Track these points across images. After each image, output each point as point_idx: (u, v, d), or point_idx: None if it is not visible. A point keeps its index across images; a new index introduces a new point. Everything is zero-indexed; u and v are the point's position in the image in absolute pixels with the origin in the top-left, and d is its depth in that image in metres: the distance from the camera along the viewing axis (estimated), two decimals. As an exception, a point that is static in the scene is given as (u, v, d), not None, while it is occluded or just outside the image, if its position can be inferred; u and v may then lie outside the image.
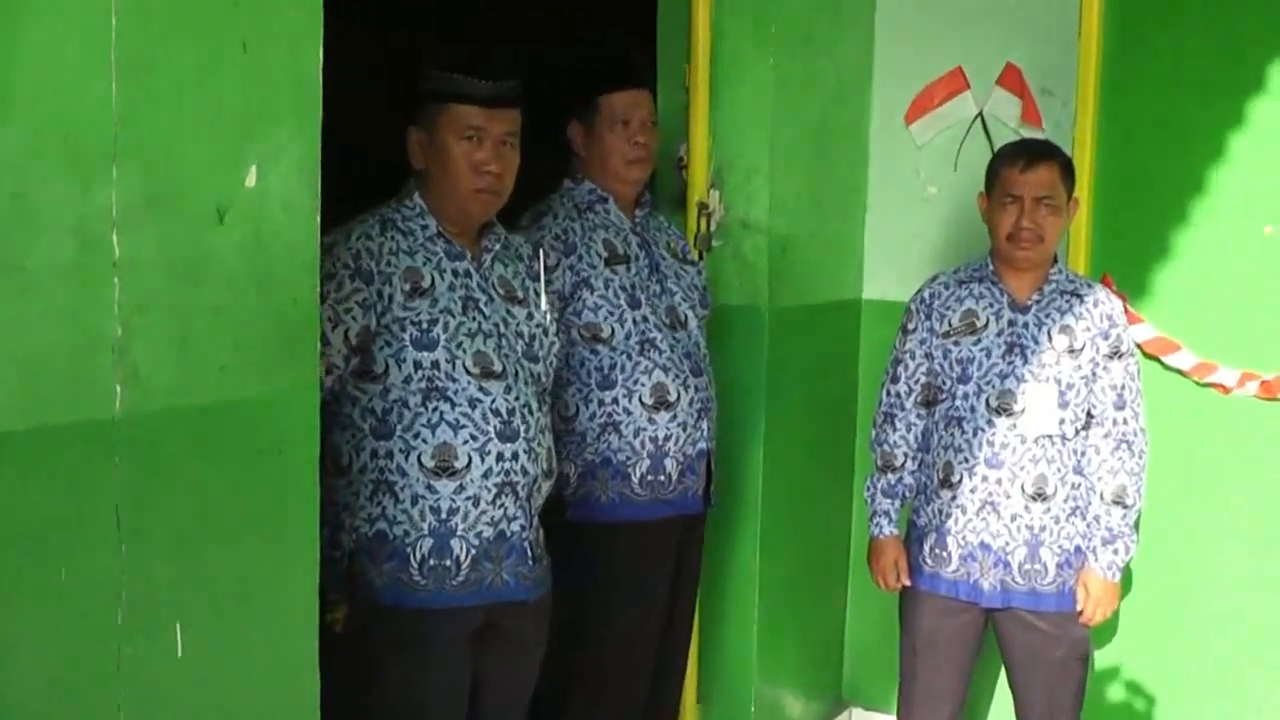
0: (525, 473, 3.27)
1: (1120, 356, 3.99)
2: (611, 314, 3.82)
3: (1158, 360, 4.54)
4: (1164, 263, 4.54)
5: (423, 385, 3.18)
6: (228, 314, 2.43)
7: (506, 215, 3.47)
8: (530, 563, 3.33)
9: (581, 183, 3.95)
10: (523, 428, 3.27)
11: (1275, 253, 4.41)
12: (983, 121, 4.72)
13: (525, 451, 3.27)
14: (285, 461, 2.56)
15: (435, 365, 3.19)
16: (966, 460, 3.94)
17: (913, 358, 4.09)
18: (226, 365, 2.42)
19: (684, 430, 3.87)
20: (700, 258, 4.37)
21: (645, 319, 3.85)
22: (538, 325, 3.42)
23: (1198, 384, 4.53)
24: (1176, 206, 4.50)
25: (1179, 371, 4.55)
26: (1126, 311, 4.23)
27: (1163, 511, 4.52)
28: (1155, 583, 4.58)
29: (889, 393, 4.14)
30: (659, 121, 4.07)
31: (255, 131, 2.45)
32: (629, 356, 3.81)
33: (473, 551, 3.23)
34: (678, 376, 3.88)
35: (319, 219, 2.59)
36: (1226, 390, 4.53)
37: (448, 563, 3.20)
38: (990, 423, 3.93)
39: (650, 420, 3.80)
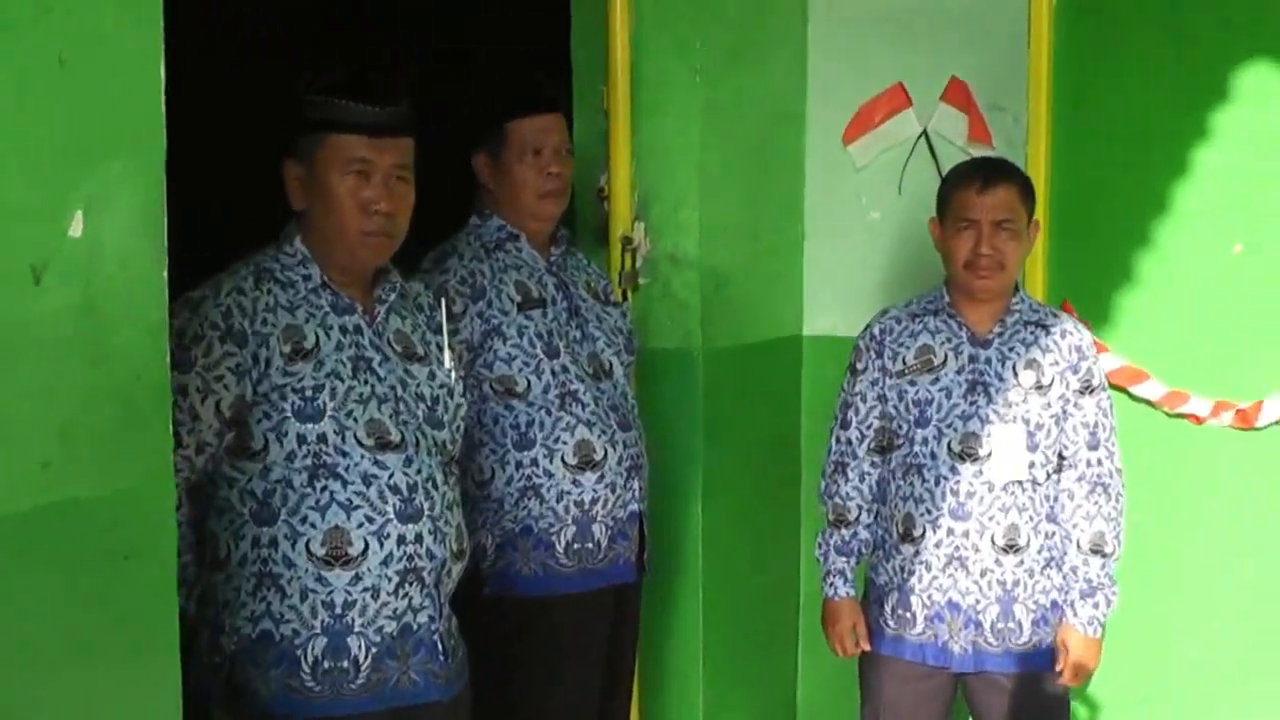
0: (431, 556, 2.96)
1: (1092, 392, 3.82)
2: (527, 365, 3.57)
3: (1125, 391, 4.39)
4: (1127, 286, 4.40)
5: (309, 462, 2.87)
6: (51, 397, 2.00)
7: (404, 259, 3.13)
8: (442, 658, 3.01)
9: (489, 219, 3.69)
10: (426, 505, 2.96)
11: (1245, 273, 4.30)
12: (927, 140, 4.46)
13: (430, 532, 2.96)
14: (135, 568, 2.15)
15: (322, 438, 2.88)
16: (929, 512, 3.78)
17: (864, 400, 3.90)
18: (51, 461, 1.99)
19: (612, 492, 3.63)
20: (625, 298, 4.19)
21: (565, 369, 3.59)
22: (441, 385, 3.08)
23: (1168, 415, 4.41)
24: (1139, 225, 4.36)
25: (1148, 402, 4.42)
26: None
27: (1136, 552, 4.27)
28: (1130, 630, 4.41)
29: (839, 439, 3.94)
30: (575, 149, 3.86)
31: (78, 168, 2.03)
32: (548, 412, 3.57)
33: (374, 650, 2.93)
34: (604, 432, 3.63)
35: (165, 273, 2.18)
36: (1199, 420, 4.39)
37: (345, 664, 2.90)
38: (953, 470, 3.77)
39: (574, 482, 3.57)
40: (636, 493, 3.71)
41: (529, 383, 3.56)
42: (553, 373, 3.58)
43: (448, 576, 3.02)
